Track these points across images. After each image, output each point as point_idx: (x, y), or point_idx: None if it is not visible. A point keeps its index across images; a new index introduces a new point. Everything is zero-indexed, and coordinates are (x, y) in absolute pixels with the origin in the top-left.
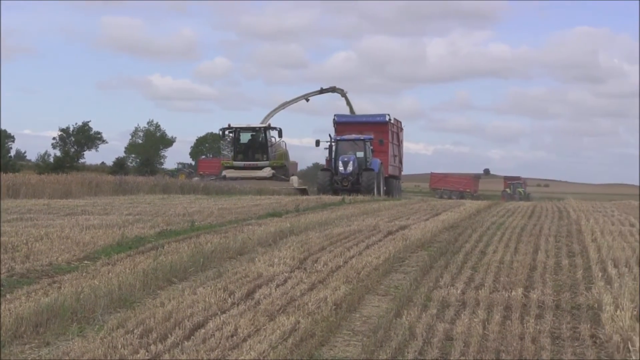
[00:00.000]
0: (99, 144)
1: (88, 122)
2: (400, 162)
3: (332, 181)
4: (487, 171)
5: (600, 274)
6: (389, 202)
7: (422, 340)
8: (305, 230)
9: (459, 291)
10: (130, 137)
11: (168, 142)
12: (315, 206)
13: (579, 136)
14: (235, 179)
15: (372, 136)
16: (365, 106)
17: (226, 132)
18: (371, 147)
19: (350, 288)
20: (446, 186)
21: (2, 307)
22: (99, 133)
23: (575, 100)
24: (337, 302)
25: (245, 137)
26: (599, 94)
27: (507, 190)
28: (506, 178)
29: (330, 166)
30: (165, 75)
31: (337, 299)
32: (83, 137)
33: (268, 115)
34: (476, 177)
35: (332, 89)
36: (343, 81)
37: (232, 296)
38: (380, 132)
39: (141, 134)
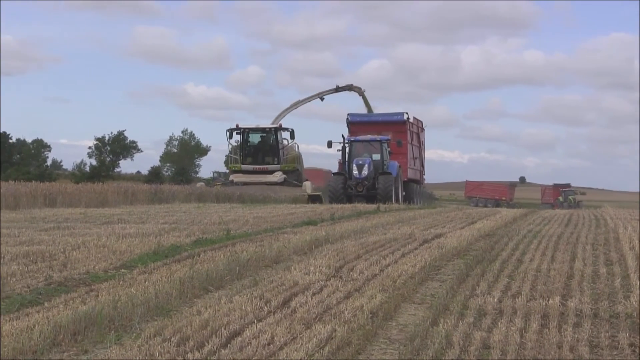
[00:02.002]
0: (134, 153)
1: (123, 131)
2: (422, 165)
3: (345, 186)
4: (522, 179)
5: (638, 283)
6: (424, 211)
7: (459, 348)
8: (340, 239)
9: (495, 299)
10: (165, 146)
11: (203, 151)
12: (351, 214)
13: (614, 144)
14: (244, 184)
15: (389, 137)
16: None
17: (234, 133)
18: (388, 149)
19: (386, 296)
20: (481, 194)
21: (41, 315)
22: (134, 142)
23: (610, 108)
24: (373, 310)
25: (254, 139)
26: (634, 101)
27: (560, 198)
28: (556, 186)
29: (343, 170)
30: (199, 84)
31: (373, 307)
32: (118, 146)
33: (279, 115)
34: (512, 185)
35: (349, 87)
36: (376, 89)
37: (268, 304)
38: (399, 132)
39: (176, 142)
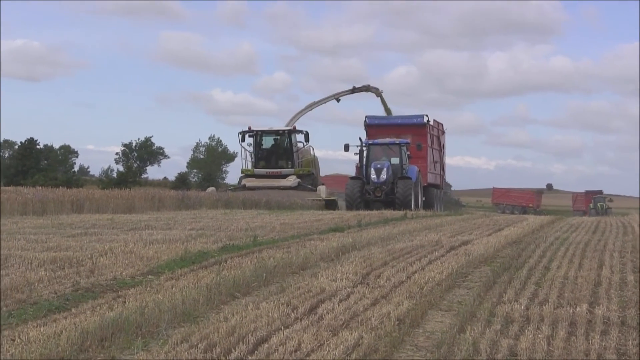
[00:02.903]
0: (161, 159)
1: (150, 137)
2: (443, 169)
3: (362, 191)
4: (549, 186)
5: None
6: (451, 217)
7: (486, 355)
8: (367, 245)
9: (522, 307)
10: (192, 152)
11: (230, 157)
12: (377, 221)
13: None
14: (256, 188)
15: (408, 140)
16: None
17: (246, 136)
18: (408, 153)
19: (413, 303)
20: (508, 201)
21: (68, 321)
22: (161, 148)
23: (636, 114)
24: (400, 317)
25: (267, 142)
26: None
27: (591, 205)
28: (588, 193)
29: (360, 174)
30: (226, 90)
31: (400, 314)
32: (145, 152)
33: (294, 117)
34: (539, 192)
35: (366, 88)
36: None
37: (295, 311)
38: (418, 135)
39: (203, 149)
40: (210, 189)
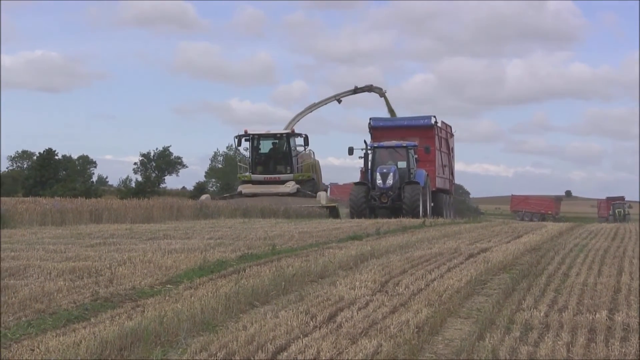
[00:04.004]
0: (179, 169)
1: (168, 147)
2: (452, 173)
3: (368, 198)
4: (568, 193)
5: None
6: (469, 225)
7: None
8: (386, 253)
9: (542, 314)
10: (210, 161)
11: None
12: (396, 229)
13: None
14: (253, 195)
15: (416, 143)
16: None
17: (242, 140)
18: (415, 156)
19: (432, 311)
20: (527, 208)
21: (87, 330)
22: (179, 158)
23: None
24: (419, 325)
25: (265, 146)
26: None
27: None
28: (609, 199)
29: (365, 179)
30: (244, 100)
31: (419, 322)
32: (164, 162)
33: (293, 119)
34: (558, 199)
35: (369, 88)
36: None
37: (314, 319)
38: (426, 137)
39: (221, 158)
40: (205, 196)
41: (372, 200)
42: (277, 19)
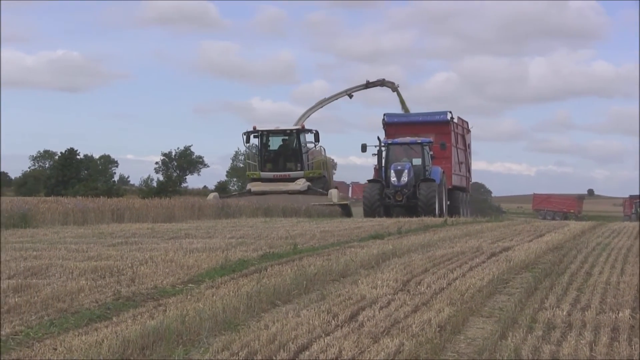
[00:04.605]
0: (200, 168)
1: (190, 146)
2: (469, 170)
3: (382, 196)
4: (591, 191)
5: None
6: (491, 224)
7: None
8: (407, 252)
9: (564, 312)
10: (231, 160)
11: None
12: (417, 228)
13: None
14: (262, 193)
15: (431, 139)
16: None
17: (251, 137)
18: (431, 153)
19: (454, 310)
20: (549, 207)
21: (109, 329)
22: (200, 157)
23: None
24: (441, 324)
25: (275, 143)
26: None
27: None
28: (632, 197)
29: (379, 177)
30: (265, 99)
31: (441, 320)
32: (185, 162)
33: (303, 115)
34: (580, 198)
35: (381, 83)
36: (442, 102)
37: (335, 318)
38: (441, 133)
39: (242, 157)
40: (212, 194)
41: (387, 198)
42: (299, 18)
